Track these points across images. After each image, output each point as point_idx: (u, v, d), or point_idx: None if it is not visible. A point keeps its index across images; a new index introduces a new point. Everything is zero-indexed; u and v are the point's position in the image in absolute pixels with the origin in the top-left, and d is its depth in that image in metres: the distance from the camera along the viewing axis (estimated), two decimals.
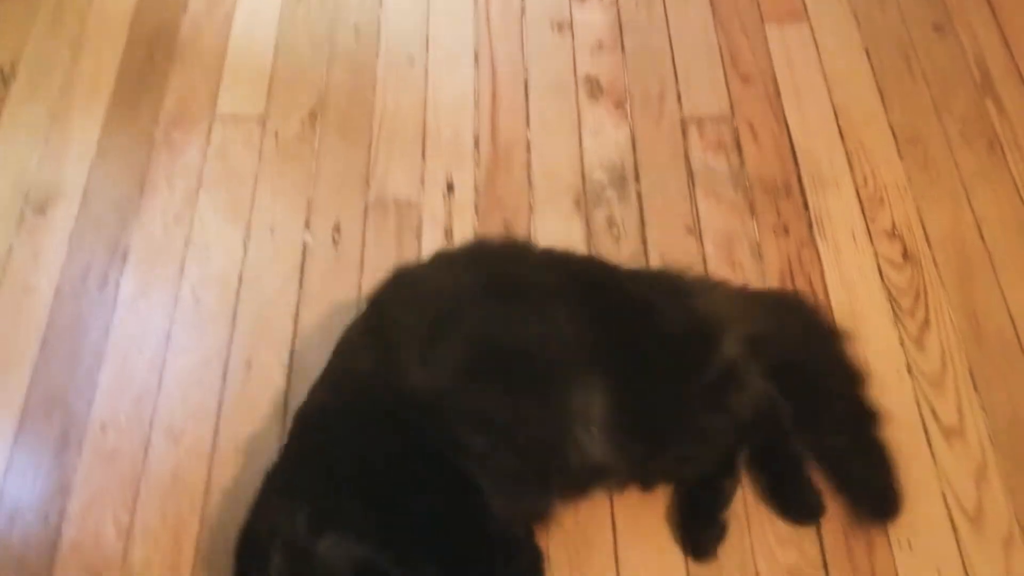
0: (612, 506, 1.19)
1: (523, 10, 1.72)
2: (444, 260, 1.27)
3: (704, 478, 1.18)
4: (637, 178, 1.50)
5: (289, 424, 1.22)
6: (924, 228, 1.42)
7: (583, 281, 1.20)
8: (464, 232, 1.45)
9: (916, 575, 1.14)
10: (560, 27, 1.69)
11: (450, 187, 1.50)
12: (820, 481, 1.19)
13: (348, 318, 1.28)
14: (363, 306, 1.23)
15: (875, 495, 1.18)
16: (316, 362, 1.29)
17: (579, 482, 1.15)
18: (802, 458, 1.19)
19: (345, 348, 1.20)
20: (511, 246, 1.34)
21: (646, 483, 1.19)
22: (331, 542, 1.04)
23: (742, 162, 1.50)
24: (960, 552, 1.15)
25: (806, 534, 1.17)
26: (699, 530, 1.17)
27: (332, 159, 1.54)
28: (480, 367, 1.10)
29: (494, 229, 1.45)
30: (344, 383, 1.16)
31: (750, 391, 1.17)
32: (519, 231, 1.45)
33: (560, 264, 1.25)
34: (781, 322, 1.29)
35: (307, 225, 1.47)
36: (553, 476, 1.13)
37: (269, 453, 1.24)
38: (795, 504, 1.18)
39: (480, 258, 1.26)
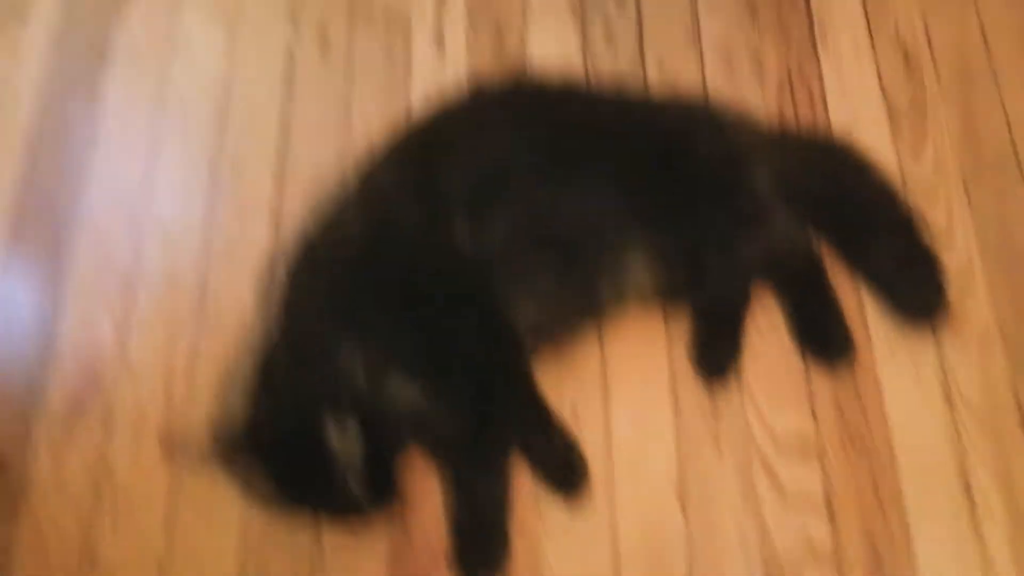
0: (601, 333, 1.21)
1: None
2: (484, 104, 1.23)
3: (719, 304, 1.20)
4: None
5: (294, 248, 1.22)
6: (928, 36, 1.38)
7: (619, 121, 1.20)
8: (456, 41, 1.42)
9: (893, 373, 1.17)
10: None
11: None
12: None
13: (338, 128, 1.28)
14: (392, 147, 1.21)
15: (925, 296, 1.19)
16: (306, 171, 1.29)
17: (607, 308, 1.19)
18: (835, 295, 1.19)
19: (380, 193, 1.17)
20: (550, 87, 1.28)
21: (668, 298, 1.21)
22: (397, 382, 1.08)
23: None
24: (938, 351, 1.18)
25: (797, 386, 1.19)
26: (716, 351, 1.19)
27: None
28: (530, 233, 1.12)
29: (487, 38, 1.42)
30: (382, 231, 1.14)
31: (778, 226, 1.18)
32: (512, 40, 1.41)
33: (597, 104, 1.24)
34: (812, 160, 1.28)
35: (294, 33, 1.44)
36: (579, 315, 1.18)
37: (261, 257, 1.26)
38: (827, 340, 1.18)
39: (521, 103, 1.22)
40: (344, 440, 1.04)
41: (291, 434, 1.05)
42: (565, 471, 1.13)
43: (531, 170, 1.14)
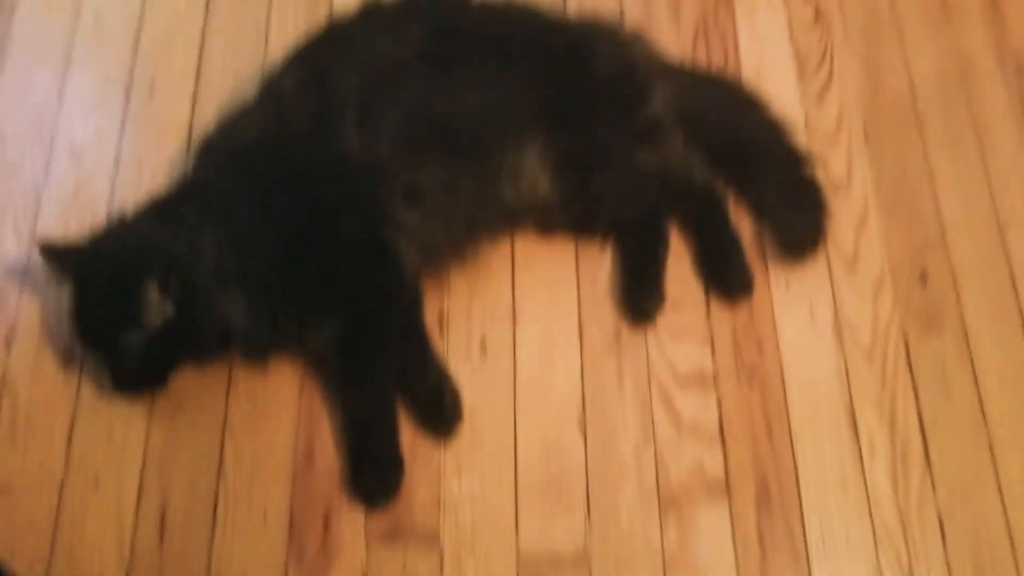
0: (512, 265, 1.24)
1: None
2: (378, 14, 1.22)
3: (640, 244, 1.23)
4: None
5: (194, 151, 1.22)
6: None
7: (522, 30, 1.21)
8: None
9: (789, 310, 1.22)
10: None
11: None
12: None
13: (256, 42, 1.26)
14: (293, 54, 1.20)
15: (805, 228, 1.24)
16: (222, 87, 1.27)
17: (509, 221, 1.20)
18: (736, 234, 1.23)
19: (277, 96, 1.17)
20: None
21: (579, 223, 1.23)
22: (233, 291, 1.07)
23: None
24: (832, 292, 1.23)
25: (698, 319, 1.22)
26: (642, 297, 1.21)
27: None
28: (418, 137, 1.11)
29: None
30: (276, 132, 1.14)
31: (673, 147, 1.21)
32: None
33: (498, 14, 1.23)
34: (708, 91, 1.31)
35: None
36: (481, 226, 1.18)
37: (172, 178, 1.25)
38: (727, 277, 1.22)
39: (416, 12, 1.21)
40: (152, 304, 1.04)
41: (114, 265, 1.06)
42: (435, 410, 1.14)
43: (423, 71, 1.14)
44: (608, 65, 1.20)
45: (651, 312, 1.21)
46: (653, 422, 1.16)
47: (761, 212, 1.25)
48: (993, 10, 1.42)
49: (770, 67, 1.36)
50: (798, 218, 1.25)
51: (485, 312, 1.21)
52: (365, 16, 1.20)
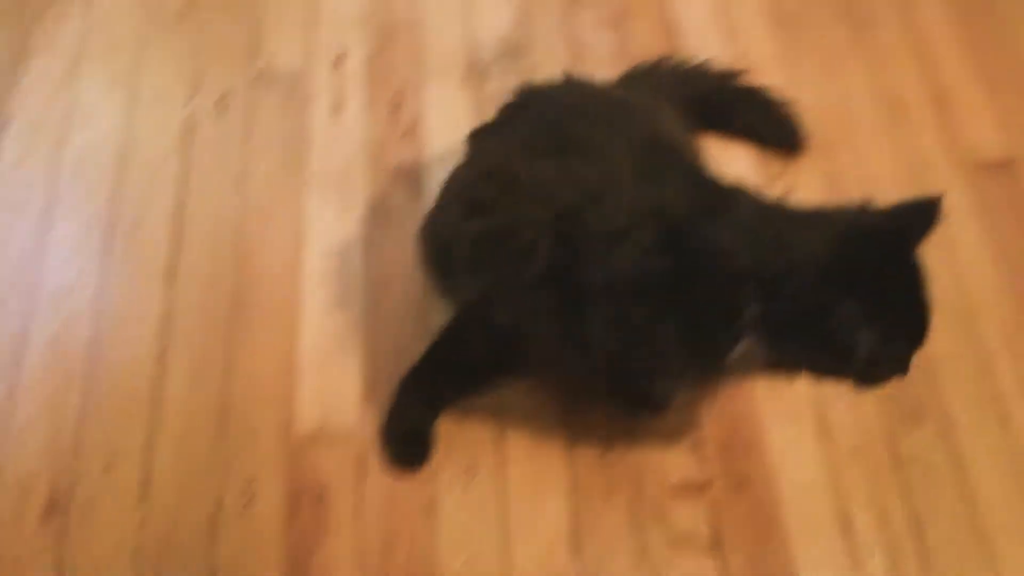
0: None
1: None
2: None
3: None
4: (526, 53, 1.52)
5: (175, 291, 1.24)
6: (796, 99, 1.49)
7: None
8: (354, 104, 1.46)
9: (774, 414, 1.22)
10: None
11: (339, 59, 1.50)
12: None
13: (235, 194, 1.30)
14: None
15: (787, 130, 1.42)
16: (202, 236, 1.30)
17: None
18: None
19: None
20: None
21: None
22: None
23: (627, 38, 1.54)
24: (815, 393, 1.24)
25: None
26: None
27: (218, 29, 1.53)
28: None
29: (383, 102, 1.47)
30: None
31: None
32: (409, 104, 1.46)
33: None
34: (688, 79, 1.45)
35: (192, 96, 1.46)
36: None
37: (152, 320, 1.26)
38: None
39: None
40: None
41: None
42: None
43: None
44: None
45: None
46: (646, 536, 1.15)
47: (746, 134, 1.43)
48: (941, 109, 1.49)
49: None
50: (778, 126, 1.43)
51: (470, 436, 1.21)
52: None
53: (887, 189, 1.39)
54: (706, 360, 1.02)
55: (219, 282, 1.31)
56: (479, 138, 1.18)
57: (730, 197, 1.03)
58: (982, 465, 1.20)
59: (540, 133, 1.10)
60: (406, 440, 1.20)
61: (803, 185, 1.41)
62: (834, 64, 1.53)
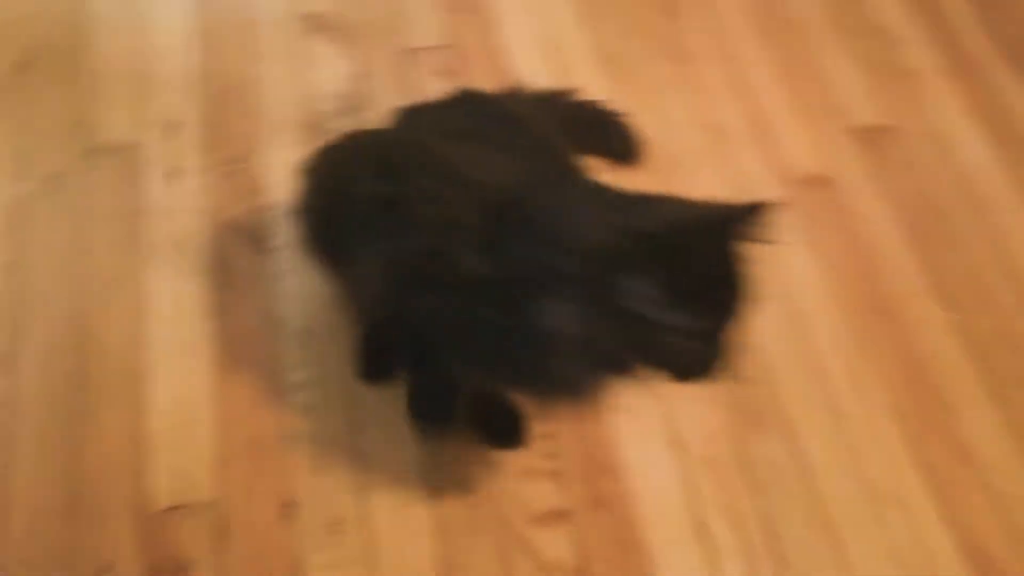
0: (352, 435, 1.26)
1: None
2: None
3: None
4: (365, 107, 1.55)
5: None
6: None
7: None
8: (191, 170, 1.46)
9: (628, 433, 1.27)
10: None
11: (172, 126, 1.50)
12: None
13: (74, 272, 1.28)
14: None
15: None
16: (41, 319, 1.27)
17: None
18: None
19: None
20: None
21: None
22: None
23: (465, 85, 1.58)
24: (665, 409, 1.30)
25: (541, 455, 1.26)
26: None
27: (45, 105, 1.51)
28: None
29: (220, 164, 1.47)
30: None
31: None
32: (247, 165, 1.47)
33: None
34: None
35: (21, 176, 1.43)
36: None
37: None
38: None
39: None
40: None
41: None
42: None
43: None
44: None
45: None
46: (513, 565, 1.17)
47: (600, 152, 1.47)
48: (758, 131, 1.59)
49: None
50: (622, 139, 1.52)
51: (332, 488, 1.21)
52: None
53: None
54: (521, 331, 1.02)
55: (61, 363, 1.28)
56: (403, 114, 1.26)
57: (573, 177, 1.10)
58: (822, 461, 1.27)
59: (456, 124, 1.18)
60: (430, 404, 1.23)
61: None
62: (660, 96, 1.62)
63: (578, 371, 1.02)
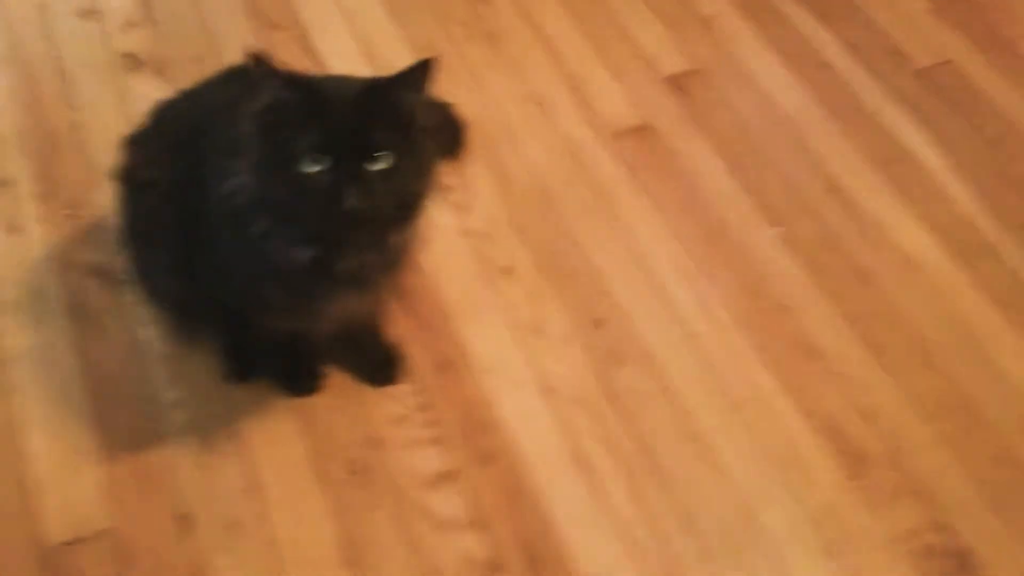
0: (238, 440, 1.29)
1: (43, 7, 1.74)
2: None
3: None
4: None
5: None
6: None
7: None
8: (32, 222, 1.46)
9: (499, 387, 1.35)
10: (86, 14, 1.74)
11: (4, 183, 1.50)
12: None
13: None
14: None
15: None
16: None
17: None
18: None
19: None
20: None
21: None
22: None
23: None
24: (529, 358, 1.38)
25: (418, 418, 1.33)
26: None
27: None
28: None
29: (59, 212, 1.48)
30: None
31: None
32: (86, 206, 1.48)
33: None
34: None
35: None
36: None
37: None
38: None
39: None
40: None
41: None
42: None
43: None
44: None
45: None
46: (413, 530, 1.22)
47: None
48: (578, 95, 1.69)
49: None
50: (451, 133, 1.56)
51: (225, 492, 1.24)
52: None
53: (548, 171, 1.58)
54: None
55: None
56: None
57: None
58: (683, 380, 1.36)
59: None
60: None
61: (478, 181, 1.56)
62: (478, 78, 1.70)
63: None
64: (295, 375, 1.33)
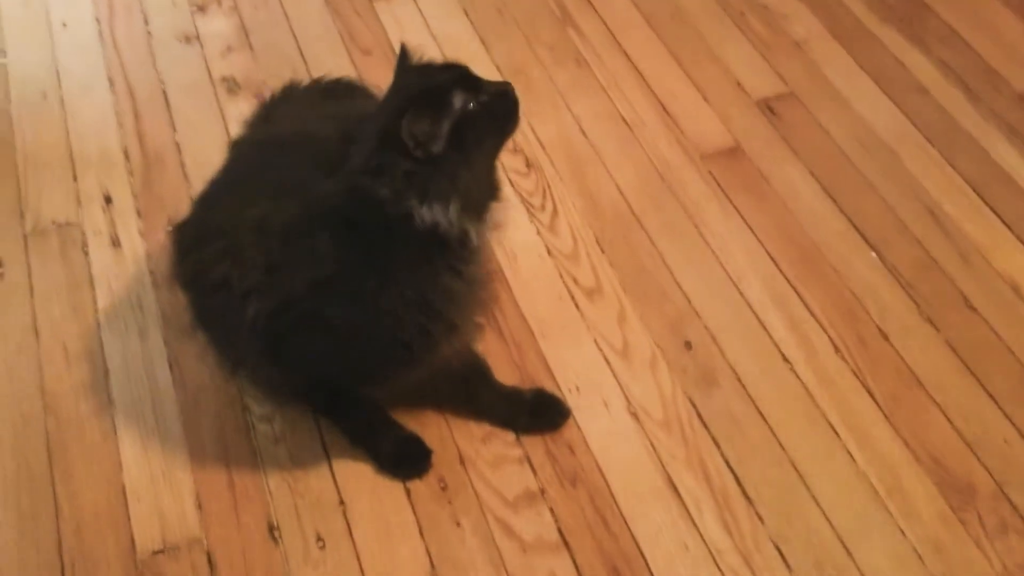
0: (329, 458, 1.30)
1: (149, 32, 1.81)
2: None
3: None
4: None
5: None
6: (538, 138, 1.64)
7: None
8: (131, 238, 1.50)
9: (586, 410, 1.33)
10: (188, 39, 1.80)
11: (108, 199, 1.55)
12: None
13: (29, 352, 1.34)
14: None
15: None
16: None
17: None
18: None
19: None
20: None
21: None
22: None
23: None
24: (617, 381, 1.35)
25: (511, 447, 1.31)
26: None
27: None
28: None
29: (159, 229, 1.52)
30: None
31: None
32: None
33: None
34: None
35: None
36: None
37: None
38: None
39: None
40: None
41: None
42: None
43: None
44: None
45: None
46: (499, 551, 1.20)
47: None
48: (667, 117, 1.68)
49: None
50: None
51: (312, 506, 1.24)
52: None
53: (636, 192, 1.56)
54: None
55: (29, 437, 1.30)
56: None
57: None
58: (774, 407, 1.33)
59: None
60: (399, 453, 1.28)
61: (565, 201, 1.56)
62: (564, 101, 1.71)
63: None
64: (403, 455, 1.29)
